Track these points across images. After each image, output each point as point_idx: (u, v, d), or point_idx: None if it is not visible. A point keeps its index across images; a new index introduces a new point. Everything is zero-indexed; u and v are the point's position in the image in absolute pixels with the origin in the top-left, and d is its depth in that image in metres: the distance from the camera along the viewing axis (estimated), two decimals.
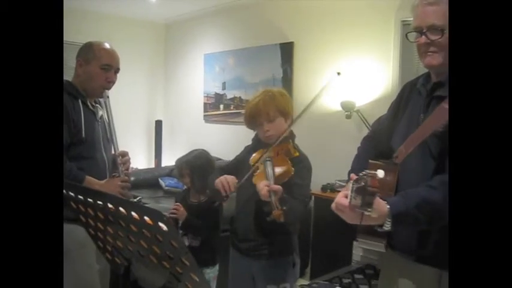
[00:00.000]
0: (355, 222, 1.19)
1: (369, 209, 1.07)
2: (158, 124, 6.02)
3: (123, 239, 1.02)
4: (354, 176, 1.17)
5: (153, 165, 5.99)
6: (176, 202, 2.42)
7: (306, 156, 2.05)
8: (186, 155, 2.52)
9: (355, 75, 4.07)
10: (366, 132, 3.90)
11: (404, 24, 3.75)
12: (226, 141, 5.18)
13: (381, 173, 1.05)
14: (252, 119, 2.01)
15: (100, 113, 2.07)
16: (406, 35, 1.46)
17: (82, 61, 1.92)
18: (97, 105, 2.08)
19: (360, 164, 1.67)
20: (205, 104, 5.72)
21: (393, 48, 3.83)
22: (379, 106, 3.92)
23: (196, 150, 2.56)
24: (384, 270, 1.64)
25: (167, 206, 4.57)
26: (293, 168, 1.89)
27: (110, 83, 2.00)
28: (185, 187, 2.60)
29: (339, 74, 1.84)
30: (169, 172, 5.49)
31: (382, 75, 3.92)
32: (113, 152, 2.07)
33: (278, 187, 1.73)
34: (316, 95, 1.89)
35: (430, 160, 1.34)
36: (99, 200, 0.98)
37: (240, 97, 5.26)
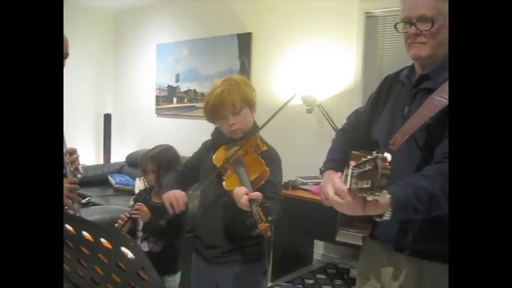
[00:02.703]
0: (356, 212, 1.13)
1: (377, 193, 1.00)
2: (107, 118, 5.68)
3: (70, 262, 0.80)
4: (353, 162, 1.13)
5: (101, 162, 5.64)
6: (137, 202, 2.18)
7: (274, 149, 1.87)
8: (151, 150, 2.29)
9: (316, 68, 3.94)
10: (327, 127, 3.84)
11: (368, 16, 3.65)
12: (180, 135, 4.92)
13: (389, 157, 0.99)
14: (215, 112, 1.79)
15: None
16: (395, 25, 1.40)
17: None
18: None
19: (337, 155, 1.62)
20: (157, 96, 5.43)
21: (356, 41, 3.72)
22: (341, 100, 3.82)
23: (161, 145, 2.34)
24: (364, 259, 1.60)
25: (118, 205, 4.31)
26: (268, 169, 1.70)
27: None
28: (143, 186, 2.37)
29: (295, 95, 1.73)
30: (120, 169, 5.21)
31: (345, 69, 3.81)
32: None
33: (258, 194, 1.55)
34: (284, 105, 1.75)
35: (416, 151, 1.32)
36: None
37: (194, 90, 5.02)
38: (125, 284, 0.68)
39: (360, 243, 1.60)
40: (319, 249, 4.10)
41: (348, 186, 1.11)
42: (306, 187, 3.57)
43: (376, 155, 0.99)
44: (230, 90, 1.74)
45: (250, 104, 1.79)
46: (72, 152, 1.81)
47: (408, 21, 1.32)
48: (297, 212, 3.45)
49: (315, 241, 4.05)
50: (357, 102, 3.74)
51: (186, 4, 5.04)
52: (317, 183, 3.63)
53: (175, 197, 1.74)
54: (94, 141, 5.76)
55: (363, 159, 1.04)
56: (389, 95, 1.52)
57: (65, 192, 1.68)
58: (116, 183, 4.79)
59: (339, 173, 1.57)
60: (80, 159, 1.86)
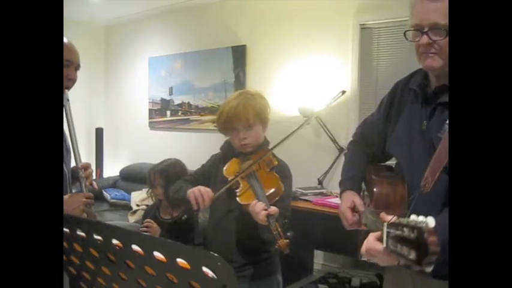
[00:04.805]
0: (391, 264, 1.07)
1: (428, 269, 0.88)
2: (99, 132, 5.63)
3: (125, 282, 0.80)
4: (386, 217, 1.04)
5: (94, 176, 5.57)
6: (146, 218, 2.17)
7: (285, 163, 1.88)
8: (159, 164, 2.30)
9: (312, 79, 3.98)
10: (324, 138, 3.87)
11: (363, 28, 3.70)
12: (174, 149, 4.90)
13: (432, 222, 0.87)
14: (229, 124, 1.79)
15: None
16: (404, 33, 1.27)
17: None
18: None
19: (352, 171, 1.58)
20: (150, 110, 5.41)
21: (352, 52, 3.77)
22: (338, 111, 3.85)
23: (169, 159, 2.34)
24: (390, 283, 1.52)
25: (113, 220, 4.27)
26: (282, 185, 1.71)
27: (70, 80, 1.72)
28: (151, 202, 2.36)
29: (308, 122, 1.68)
30: (114, 183, 5.16)
31: (341, 80, 3.85)
32: (73, 164, 1.79)
33: (276, 210, 1.55)
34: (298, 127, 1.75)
35: (445, 178, 1.17)
36: (97, 235, 0.75)
37: (188, 102, 5.02)
38: None
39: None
40: (319, 259, 4.10)
41: (384, 245, 1.01)
42: (305, 198, 3.58)
43: (420, 223, 0.86)
44: (245, 104, 1.75)
45: (263, 121, 1.80)
46: (87, 167, 1.80)
47: (419, 29, 1.20)
48: (297, 223, 3.44)
49: (315, 251, 4.05)
50: (354, 112, 3.78)
51: (178, 17, 5.05)
52: (316, 194, 3.67)
53: (200, 192, 1.65)
54: (86, 155, 5.68)
55: (401, 220, 0.92)
56: (401, 104, 1.43)
57: (81, 207, 1.67)
58: (112, 198, 4.74)
59: (357, 197, 1.48)
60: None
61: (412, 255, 0.86)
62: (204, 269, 0.60)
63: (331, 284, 3.71)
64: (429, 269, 0.88)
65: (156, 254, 0.66)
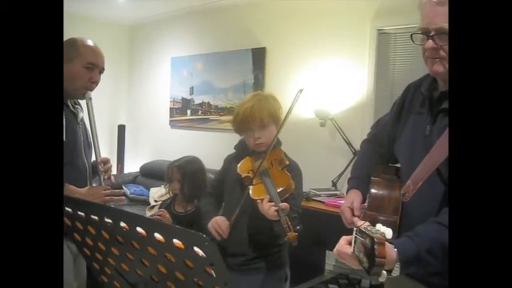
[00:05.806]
0: (359, 267, 1.07)
1: (379, 278, 0.94)
2: (121, 129, 5.79)
3: (131, 262, 0.89)
4: (357, 222, 1.10)
5: (115, 172, 5.74)
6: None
7: (296, 163, 1.96)
8: (178, 159, 2.42)
9: (329, 82, 4.04)
10: (339, 140, 3.93)
11: (380, 33, 3.75)
12: (193, 147, 5.01)
13: (389, 234, 0.91)
14: (243, 124, 1.89)
15: (81, 115, 1.90)
16: (411, 36, 1.26)
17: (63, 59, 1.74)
18: (77, 106, 1.91)
19: (361, 171, 1.60)
20: (171, 108, 5.55)
21: (368, 57, 3.82)
22: (353, 114, 3.92)
23: (188, 156, 2.46)
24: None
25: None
26: (293, 183, 1.79)
27: (93, 83, 1.84)
28: (168, 195, 2.47)
29: (301, 91, 1.74)
30: (134, 179, 5.30)
31: (357, 84, 3.91)
32: (93, 158, 1.91)
33: (286, 205, 1.65)
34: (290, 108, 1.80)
35: (440, 185, 1.21)
36: (109, 218, 0.85)
37: (208, 102, 5.13)
38: (188, 281, 0.77)
39: None
40: (331, 260, 4.16)
41: (351, 250, 1.04)
42: (319, 199, 3.65)
43: (374, 233, 0.88)
44: (260, 105, 1.84)
45: (276, 121, 1.89)
46: (106, 161, 1.91)
47: (425, 32, 1.19)
48: (309, 223, 3.50)
49: (327, 252, 4.11)
50: (369, 116, 3.83)
51: (201, 19, 5.18)
52: (330, 195, 3.72)
53: (218, 225, 1.85)
54: (108, 151, 5.85)
55: (365, 228, 0.94)
56: (411, 107, 1.43)
57: (100, 199, 1.77)
58: (131, 193, 4.88)
59: (359, 198, 1.48)
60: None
61: (365, 263, 0.89)
62: (195, 248, 0.69)
63: (342, 284, 3.77)
64: (382, 279, 0.91)
65: (157, 235, 0.75)
